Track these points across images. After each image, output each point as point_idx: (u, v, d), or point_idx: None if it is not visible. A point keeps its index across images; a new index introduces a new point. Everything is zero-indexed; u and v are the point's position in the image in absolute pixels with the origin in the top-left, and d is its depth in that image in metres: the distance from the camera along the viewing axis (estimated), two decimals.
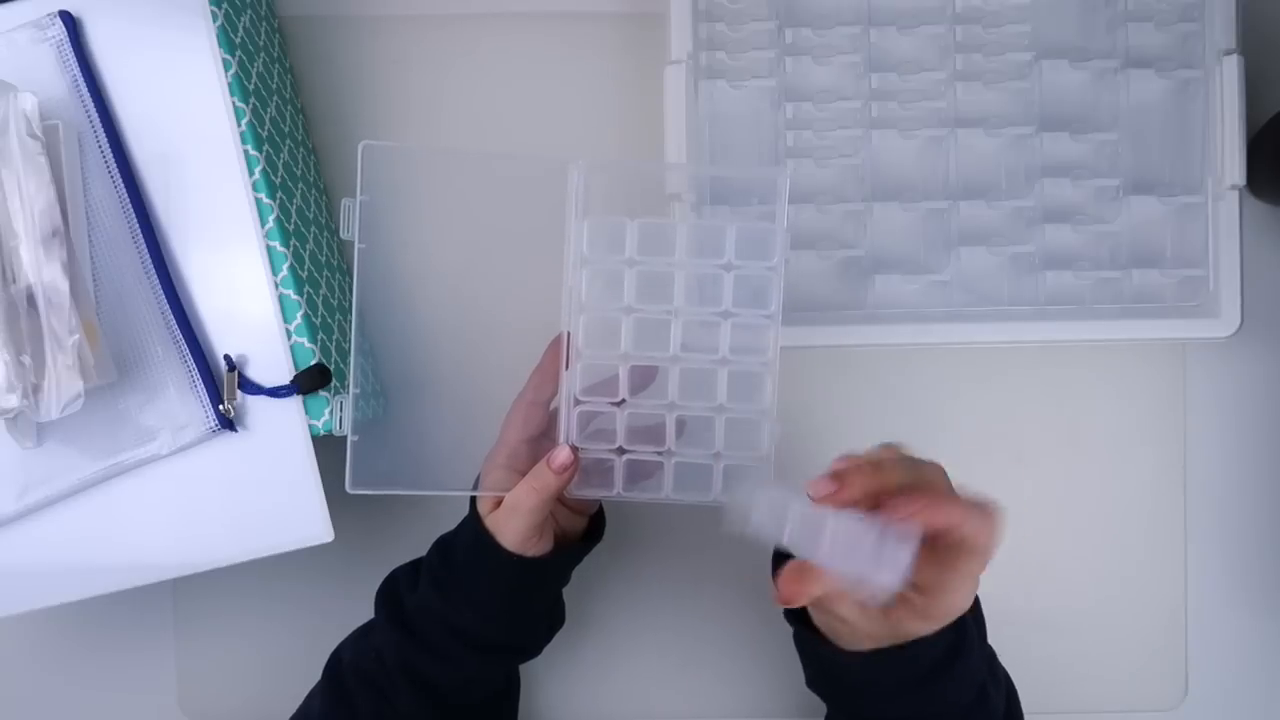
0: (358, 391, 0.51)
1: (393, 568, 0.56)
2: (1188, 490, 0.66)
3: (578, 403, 0.52)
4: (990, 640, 0.53)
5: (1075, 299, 0.63)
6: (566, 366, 0.51)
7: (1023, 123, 0.63)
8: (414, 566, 0.55)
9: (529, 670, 0.58)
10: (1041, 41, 0.63)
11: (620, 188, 0.53)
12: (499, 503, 0.51)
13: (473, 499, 0.53)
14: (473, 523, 0.52)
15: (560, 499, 0.52)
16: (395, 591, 0.54)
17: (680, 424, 0.52)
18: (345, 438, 0.51)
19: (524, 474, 0.51)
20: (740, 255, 0.51)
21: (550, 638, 0.57)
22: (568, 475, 0.50)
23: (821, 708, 0.60)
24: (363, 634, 0.55)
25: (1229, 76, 0.60)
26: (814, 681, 0.53)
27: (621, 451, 0.52)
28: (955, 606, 0.45)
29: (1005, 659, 0.53)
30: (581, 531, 0.55)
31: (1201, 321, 0.61)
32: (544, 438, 0.53)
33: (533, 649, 0.56)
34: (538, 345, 0.53)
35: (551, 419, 0.53)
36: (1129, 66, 0.63)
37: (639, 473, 0.53)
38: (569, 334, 0.52)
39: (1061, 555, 0.66)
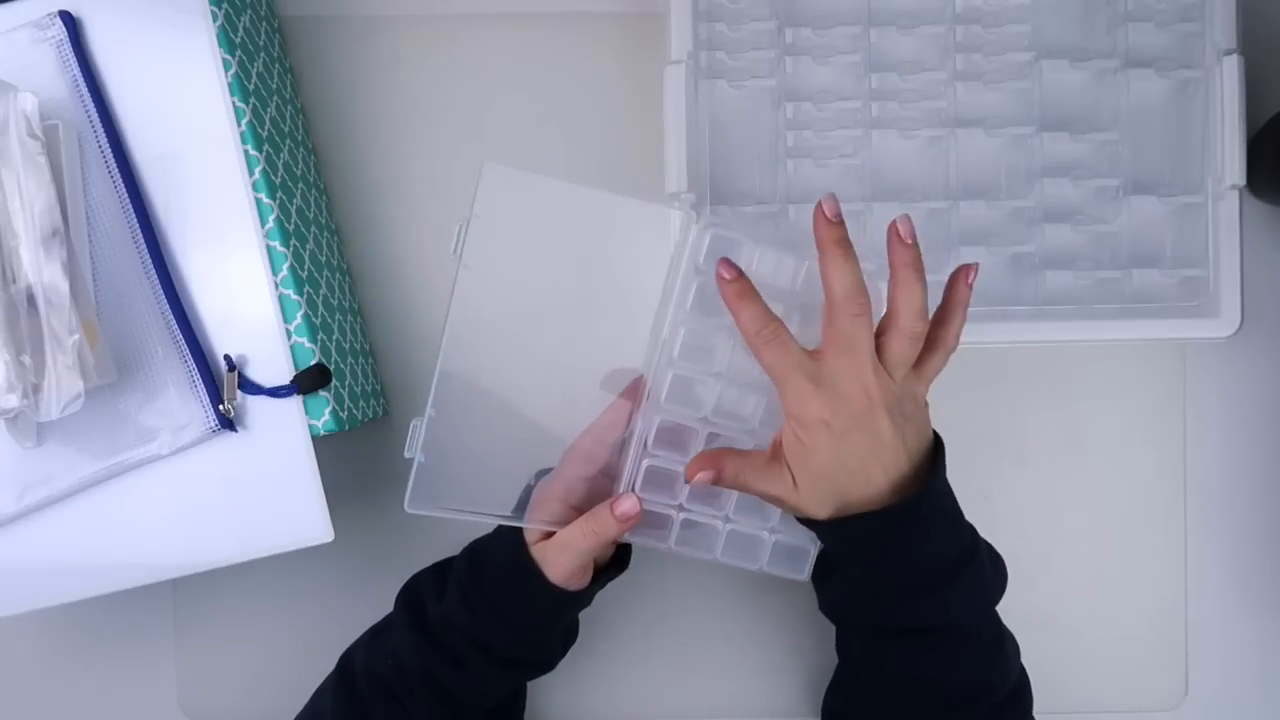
0: (434, 414, 0.49)
1: (392, 568, 0.56)
2: (1188, 490, 0.66)
3: (648, 454, 0.52)
4: None
5: (1075, 299, 0.63)
6: (642, 413, 0.51)
7: (1023, 123, 0.63)
8: (438, 570, 0.55)
9: None
10: (1041, 41, 0.63)
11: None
12: (548, 533, 0.51)
13: None
14: (514, 548, 0.52)
15: None
16: (418, 597, 0.54)
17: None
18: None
19: (578, 510, 0.51)
20: None
21: (565, 653, 0.57)
22: (629, 525, 0.50)
23: (817, 706, 0.60)
24: (377, 635, 0.55)
25: (1229, 76, 0.60)
26: (823, 580, 0.56)
27: (681, 508, 0.53)
28: (790, 407, 0.48)
29: None
30: (609, 558, 0.55)
31: (1201, 321, 0.61)
32: (601, 475, 0.52)
33: (551, 664, 0.56)
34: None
35: (612, 459, 0.52)
36: (1129, 66, 0.63)
37: (689, 525, 0.54)
38: (650, 383, 0.51)
39: (1061, 555, 0.66)
